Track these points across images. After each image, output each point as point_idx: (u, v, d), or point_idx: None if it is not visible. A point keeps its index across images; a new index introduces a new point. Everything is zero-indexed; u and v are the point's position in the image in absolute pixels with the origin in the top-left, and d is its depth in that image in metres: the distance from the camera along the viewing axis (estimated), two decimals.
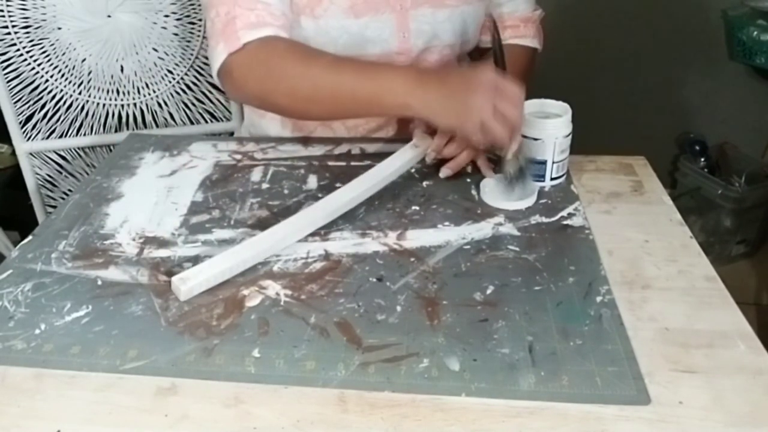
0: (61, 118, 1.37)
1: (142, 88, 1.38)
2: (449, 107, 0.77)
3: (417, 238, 0.77)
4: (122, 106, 1.39)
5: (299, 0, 0.91)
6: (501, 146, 0.81)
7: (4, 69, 1.30)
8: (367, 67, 0.84)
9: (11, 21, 1.27)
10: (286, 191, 0.88)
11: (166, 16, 1.33)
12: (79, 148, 1.42)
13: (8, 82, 1.31)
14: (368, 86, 0.81)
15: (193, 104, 1.42)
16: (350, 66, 0.84)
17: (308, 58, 0.85)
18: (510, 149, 0.81)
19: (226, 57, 0.85)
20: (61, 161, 1.42)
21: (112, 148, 1.37)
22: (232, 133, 1.45)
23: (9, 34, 1.27)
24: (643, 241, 0.77)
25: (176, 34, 1.35)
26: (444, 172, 0.88)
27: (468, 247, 0.75)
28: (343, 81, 0.82)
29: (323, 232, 0.78)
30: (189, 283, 0.67)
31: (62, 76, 1.33)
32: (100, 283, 0.71)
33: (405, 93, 0.79)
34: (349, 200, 0.79)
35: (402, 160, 0.86)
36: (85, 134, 1.40)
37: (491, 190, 0.84)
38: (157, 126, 1.42)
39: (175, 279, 0.67)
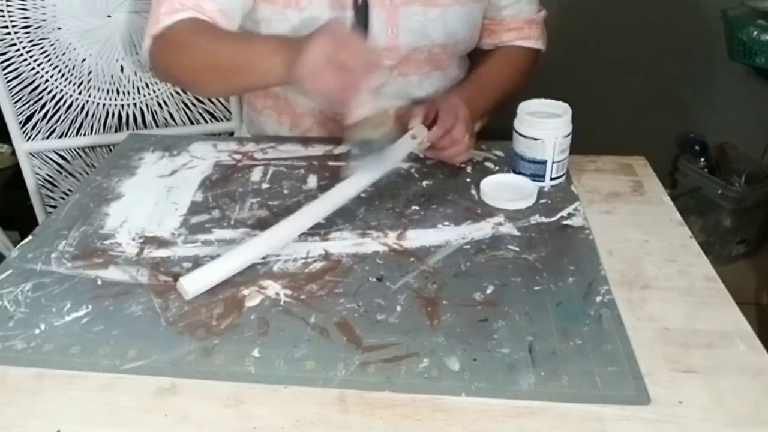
0: (61, 118, 1.37)
1: (142, 88, 1.38)
2: (298, 60, 0.71)
3: (417, 238, 0.77)
4: (122, 106, 1.39)
5: None
6: (341, 103, 0.74)
7: (4, 69, 1.30)
8: (244, 37, 0.88)
9: (11, 21, 1.27)
10: (286, 191, 0.88)
11: None
12: (79, 148, 1.42)
13: (8, 82, 1.31)
14: (238, 53, 0.82)
15: (193, 104, 1.42)
16: (231, 37, 0.87)
17: (205, 33, 0.86)
18: (352, 111, 0.73)
19: (149, 40, 0.88)
20: (61, 161, 1.42)
21: (112, 148, 1.37)
22: (232, 133, 1.45)
23: (9, 34, 1.28)
24: (643, 241, 0.77)
25: None
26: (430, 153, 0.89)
27: (468, 247, 0.75)
28: (220, 50, 0.83)
29: (323, 231, 0.78)
30: (196, 284, 0.67)
31: (62, 76, 1.33)
32: (100, 283, 0.71)
33: (268, 57, 0.77)
34: (350, 192, 0.79)
35: (401, 151, 0.85)
36: (85, 134, 1.40)
37: (492, 191, 0.84)
38: (157, 126, 1.42)
39: (182, 280, 0.67)
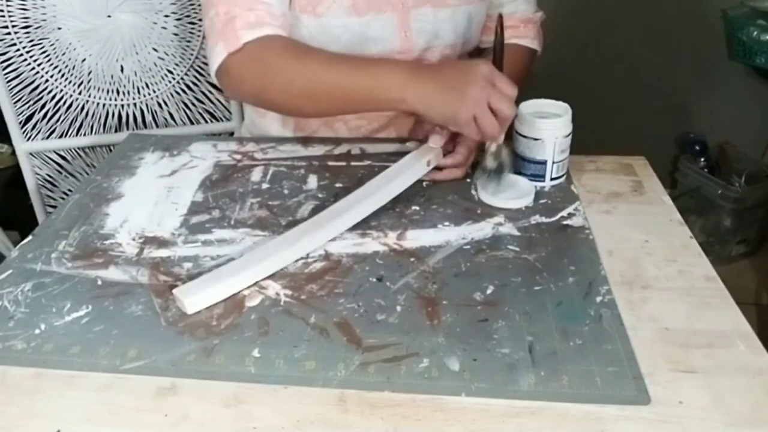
0: (61, 118, 1.37)
1: (142, 88, 1.38)
2: (444, 100, 0.78)
3: (417, 238, 0.77)
4: (122, 106, 1.39)
5: None
6: (490, 141, 0.82)
7: (4, 69, 1.30)
8: (363, 62, 0.85)
9: (11, 21, 1.26)
10: (286, 191, 0.88)
11: (166, 16, 1.33)
12: (79, 148, 1.42)
13: (8, 82, 1.31)
14: (363, 81, 0.82)
15: (193, 104, 1.42)
16: (346, 61, 0.85)
17: (304, 55, 0.85)
18: (493, 144, 0.82)
19: (226, 56, 0.85)
20: (61, 161, 1.42)
21: (112, 148, 1.37)
22: (232, 133, 1.45)
23: (9, 34, 1.27)
24: (643, 241, 0.77)
25: (176, 34, 1.35)
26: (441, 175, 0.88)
27: (468, 247, 0.75)
28: (339, 76, 0.83)
29: None
30: (193, 298, 0.66)
31: (62, 76, 1.33)
32: (100, 283, 0.71)
33: (400, 87, 0.80)
34: (367, 206, 0.79)
35: (416, 175, 0.84)
36: (85, 134, 1.40)
37: (490, 190, 0.84)
38: (157, 126, 1.42)
39: (184, 300, 0.65)
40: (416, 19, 0.94)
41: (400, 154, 0.88)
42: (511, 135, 0.87)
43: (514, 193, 0.84)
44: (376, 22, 0.92)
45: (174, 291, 0.67)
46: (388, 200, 0.81)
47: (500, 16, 0.81)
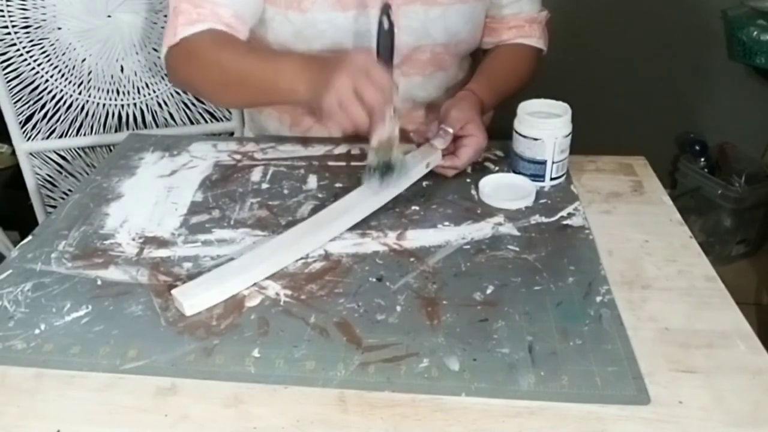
0: (61, 118, 1.37)
1: (142, 88, 1.38)
2: (320, 86, 0.74)
3: (417, 238, 0.77)
4: (122, 106, 1.39)
5: None
6: (358, 132, 0.76)
7: (4, 69, 1.30)
8: (269, 55, 0.88)
9: (11, 21, 1.26)
10: (286, 191, 0.88)
11: (166, 15, 1.32)
12: (79, 148, 1.42)
13: (8, 82, 1.31)
14: (265, 71, 0.83)
15: (193, 104, 1.42)
16: (255, 54, 0.87)
17: (223, 47, 0.87)
18: (373, 138, 0.76)
19: (167, 50, 0.89)
20: (61, 161, 1.42)
21: (112, 148, 1.37)
22: (232, 133, 1.45)
23: (9, 34, 1.27)
24: (643, 241, 0.77)
25: None
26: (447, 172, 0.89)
27: (468, 247, 0.75)
28: (247, 67, 0.84)
29: None
30: (192, 300, 0.66)
31: (62, 76, 1.33)
32: (100, 283, 0.71)
33: (293, 78, 0.79)
34: (366, 207, 0.79)
35: (415, 176, 0.84)
36: (85, 134, 1.40)
37: (491, 190, 0.84)
38: (157, 126, 1.42)
39: (184, 302, 0.66)
40: (405, 15, 0.93)
41: None
42: (511, 135, 0.87)
43: (514, 193, 0.84)
44: (363, 17, 0.92)
45: (173, 292, 0.67)
46: (387, 201, 0.81)
47: (386, 4, 0.82)
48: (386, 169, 0.78)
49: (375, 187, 0.79)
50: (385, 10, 0.82)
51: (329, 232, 0.76)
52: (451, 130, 0.86)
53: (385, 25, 0.82)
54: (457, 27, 0.97)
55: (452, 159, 0.87)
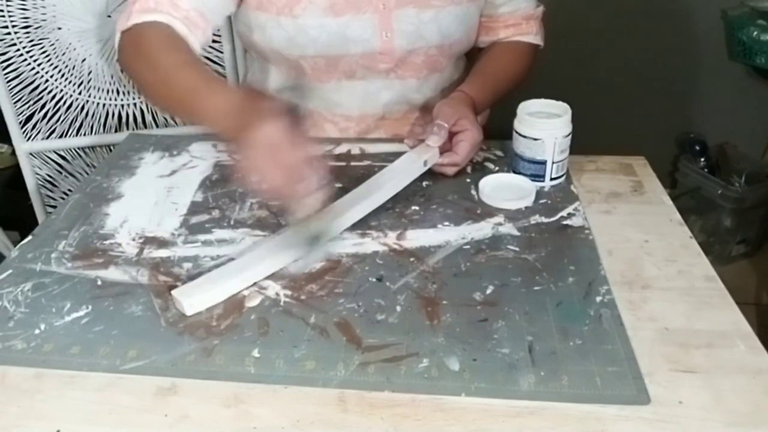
0: (61, 118, 1.37)
1: None
2: (242, 156, 0.69)
3: (417, 238, 0.77)
4: (122, 106, 1.39)
5: (278, 0, 0.91)
6: (280, 198, 0.72)
7: (4, 69, 1.30)
8: (202, 80, 0.79)
9: (11, 21, 1.27)
10: None
11: None
12: (79, 148, 1.42)
13: (8, 82, 1.31)
14: (198, 98, 0.77)
15: None
16: (197, 74, 0.79)
17: (167, 50, 0.83)
18: (297, 210, 0.69)
19: (119, 34, 0.87)
20: (61, 161, 1.42)
21: (112, 148, 1.37)
22: None
23: (9, 34, 1.28)
24: (643, 241, 0.77)
25: None
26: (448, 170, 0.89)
27: (468, 247, 0.75)
28: (182, 84, 0.79)
29: None
30: (191, 300, 0.66)
31: (62, 76, 1.33)
32: (100, 283, 0.71)
33: (214, 117, 0.75)
34: (365, 206, 0.79)
35: (412, 174, 0.85)
36: (85, 134, 1.40)
37: (491, 190, 0.84)
38: (157, 126, 1.42)
39: (183, 302, 0.66)
40: (398, 19, 0.93)
41: (400, 154, 0.88)
42: (511, 135, 0.87)
43: (514, 193, 0.84)
44: (356, 22, 0.92)
45: (173, 292, 0.67)
46: (385, 200, 0.81)
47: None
48: (313, 241, 0.71)
49: (300, 253, 0.73)
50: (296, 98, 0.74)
51: (338, 226, 0.76)
52: (445, 125, 0.87)
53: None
54: (450, 29, 0.96)
55: (451, 156, 0.87)
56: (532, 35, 1.05)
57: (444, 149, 0.88)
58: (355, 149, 0.97)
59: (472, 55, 1.10)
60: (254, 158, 0.67)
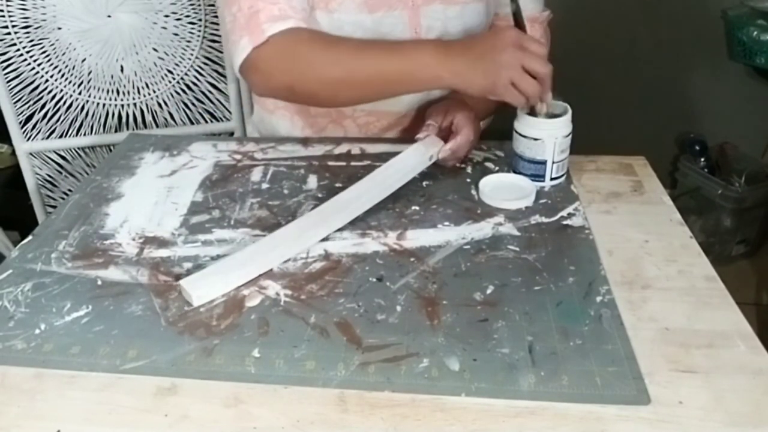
0: (61, 118, 1.37)
1: (142, 88, 1.38)
2: (478, 70, 0.79)
3: (417, 238, 0.77)
4: (122, 106, 1.39)
5: None
6: (532, 104, 0.83)
7: (4, 69, 1.30)
8: (394, 46, 0.86)
9: (11, 21, 1.27)
10: (286, 191, 0.88)
11: (166, 16, 1.33)
12: (79, 148, 1.42)
13: (8, 82, 1.31)
14: (397, 64, 0.83)
15: (193, 104, 1.42)
16: (377, 47, 0.86)
17: (334, 44, 0.87)
18: (541, 110, 0.84)
19: (251, 50, 0.85)
20: (61, 161, 1.42)
21: (112, 148, 1.37)
22: (232, 133, 1.45)
23: (9, 34, 1.28)
24: (643, 241, 0.77)
25: (176, 34, 1.35)
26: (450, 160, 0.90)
27: (468, 247, 0.75)
28: (373, 62, 0.84)
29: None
30: (201, 291, 0.67)
31: (62, 76, 1.33)
32: (100, 283, 0.71)
33: (435, 65, 0.81)
34: (367, 199, 0.80)
35: (417, 169, 0.86)
36: (85, 134, 1.40)
37: (491, 190, 0.84)
38: (157, 126, 1.42)
39: (191, 291, 0.66)
40: (426, 15, 0.95)
41: None
42: (511, 135, 0.88)
43: (514, 193, 0.84)
44: (388, 19, 0.93)
45: (180, 282, 0.67)
46: (395, 189, 0.82)
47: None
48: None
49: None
50: None
51: (339, 220, 0.77)
52: (435, 123, 0.89)
53: (514, 2, 0.85)
54: (473, 24, 0.98)
55: (452, 141, 0.88)
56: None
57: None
58: (355, 149, 0.97)
59: None
60: (513, 60, 0.78)
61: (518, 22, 0.84)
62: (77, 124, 1.38)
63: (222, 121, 1.45)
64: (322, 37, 0.88)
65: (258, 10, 0.85)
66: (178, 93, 1.40)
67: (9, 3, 1.25)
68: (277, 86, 0.90)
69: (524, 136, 0.85)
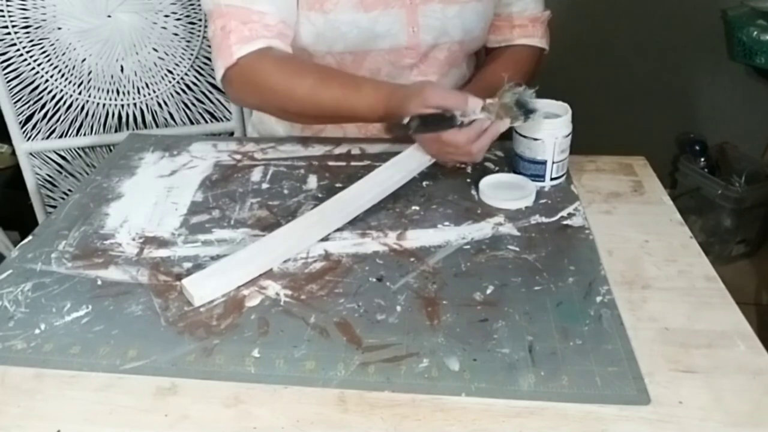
0: (61, 118, 1.37)
1: (142, 88, 1.38)
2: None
3: (417, 238, 0.77)
4: (122, 106, 1.39)
5: None
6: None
7: (4, 69, 1.30)
8: (349, 85, 0.88)
9: (11, 21, 1.27)
10: (285, 191, 0.88)
11: (166, 16, 1.33)
12: (79, 148, 1.42)
13: (8, 82, 1.31)
14: (348, 102, 0.87)
15: (193, 104, 1.42)
16: (335, 83, 0.89)
17: (297, 74, 0.89)
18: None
19: (224, 71, 0.90)
20: (61, 161, 1.42)
21: (112, 148, 1.38)
22: (232, 133, 1.45)
23: (9, 34, 1.28)
24: (643, 241, 0.77)
25: (176, 34, 1.35)
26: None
27: (468, 247, 0.75)
28: (326, 101, 0.88)
29: None
30: (203, 291, 0.67)
31: (62, 76, 1.33)
32: (100, 283, 0.71)
33: (377, 106, 0.85)
34: (367, 199, 0.80)
35: (418, 168, 0.86)
36: (85, 134, 1.40)
37: (491, 190, 0.84)
38: (157, 126, 1.42)
39: (193, 291, 0.67)
40: (424, 14, 0.95)
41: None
42: (511, 135, 0.88)
43: (514, 193, 0.84)
44: (384, 17, 0.93)
45: (182, 281, 0.67)
46: (395, 189, 0.82)
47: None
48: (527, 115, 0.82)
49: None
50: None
51: (343, 217, 0.77)
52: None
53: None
54: (472, 24, 0.99)
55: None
56: (538, 38, 1.06)
57: None
58: (355, 149, 0.97)
59: (479, 54, 1.11)
60: (438, 155, 0.84)
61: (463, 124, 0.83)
62: (77, 124, 1.38)
63: (222, 121, 1.45)
64: (284, 65, 0.89)
65: (230, 31, 0.88)
66: (178, 93, 1.40)
67: (9, 3, 1.25)
68: (248, 104, 0.97)
69: (524, 136, 0.85)
